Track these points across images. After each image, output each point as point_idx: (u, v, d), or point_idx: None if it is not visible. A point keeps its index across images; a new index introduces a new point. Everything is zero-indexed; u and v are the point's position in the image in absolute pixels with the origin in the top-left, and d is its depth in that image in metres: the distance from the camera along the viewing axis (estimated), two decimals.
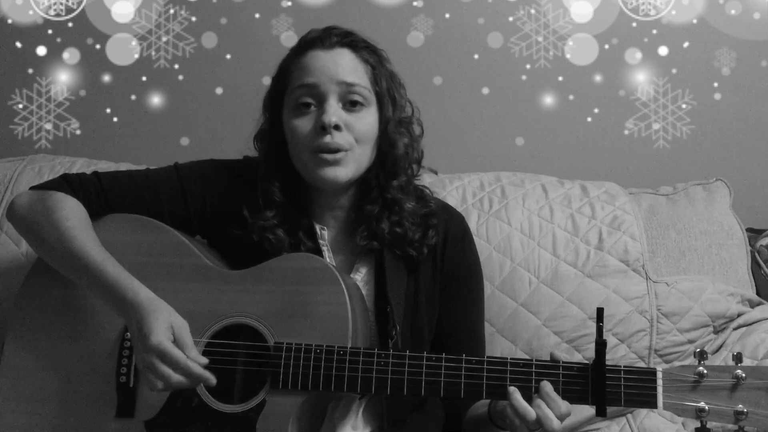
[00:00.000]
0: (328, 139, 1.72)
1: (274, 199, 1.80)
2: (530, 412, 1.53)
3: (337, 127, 1.72)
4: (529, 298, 2.20)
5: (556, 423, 1.53)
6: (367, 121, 1.77)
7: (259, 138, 1.87)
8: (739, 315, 2.21)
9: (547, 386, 1.55)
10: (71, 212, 1.76)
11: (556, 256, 2.23)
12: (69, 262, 1.72)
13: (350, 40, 1.79)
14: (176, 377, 1.56)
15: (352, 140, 1.75)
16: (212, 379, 1.59)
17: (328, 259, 1.81)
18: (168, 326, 1.59)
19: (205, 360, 1.60)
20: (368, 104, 1.78)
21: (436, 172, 2.00)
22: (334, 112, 1.73)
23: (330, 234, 1.86)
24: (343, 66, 1.76)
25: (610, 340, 2.16)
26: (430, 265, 1.87)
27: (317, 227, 1.84)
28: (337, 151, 1.73)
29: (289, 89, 1.78)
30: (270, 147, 1.84)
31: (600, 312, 1.53)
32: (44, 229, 1.74)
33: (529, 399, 1.55)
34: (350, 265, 1.85)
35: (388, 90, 1.81)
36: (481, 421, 1.79)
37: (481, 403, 1.82)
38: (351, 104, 1.75)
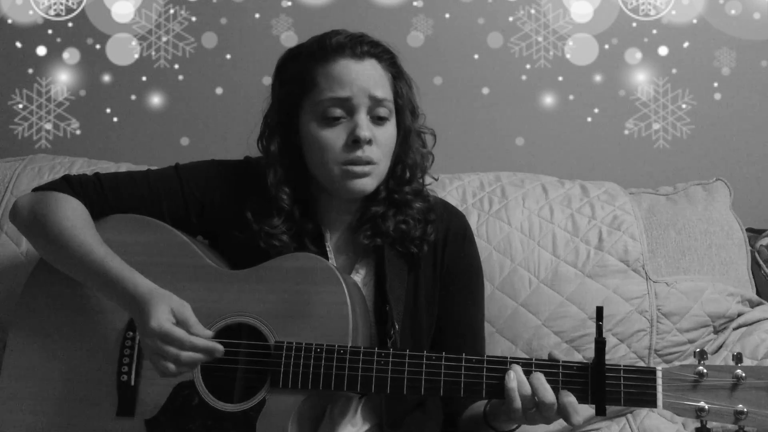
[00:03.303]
0: (360, 153, 1.72)
1: (283, 206, 1.79)
2: (527, 386, 1.54)
3: (369, 142, 1.73)
4: (529, 298, 2.20)
5: (550, 394, 1.53)
6: (390, 132, 1.78)
7: (266, 140, 1.84)
8: (739, 315, 2.22)
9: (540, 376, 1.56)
10: (72, 211, 1.77)
11: (556, 256, 2.23)
12: (71, 259, 1.73)
13: (376, 51, 1.77)
14: (185, 354, 1.58)
15: (380, 154, 1.76)
16: (219, 348, 1.61)
17: (331, 261, 1.81)
18: (167, 310, 1.60)
19: (209, 333, 1.63)
20: (391, 116, 1.78)
21: (436, 179, 2.01)
22: (367, 126, 1.73)
23: (334, 235, 1.87)
24: (374, 79, 1.75)
25: (610, 340, 2.16)
26: (430, 264, 1.88)
27: (325, 232, 1.85)
28: (367, 164, 1.73)
29: (315, 97, 1.75)
30: (283, 152, 1.82)
31: (599, 311, 1.53)
32: (46, 228, 1.75)
33: None
34: (351, 265, 1.86)
35: (407, 100, 1.82)
36: (477, 421, 1.79)
37: (478, 403, 1.82)
38: (378, 118, 1.76)
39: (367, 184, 1.76)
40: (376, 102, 1.74)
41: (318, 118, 1.74)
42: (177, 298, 1.64)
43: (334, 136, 1.73)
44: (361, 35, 1.78)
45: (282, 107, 1.81)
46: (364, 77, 1.74)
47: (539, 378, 1.55)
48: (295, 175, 1.81)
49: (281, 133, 1.82)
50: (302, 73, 1.77)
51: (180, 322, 1.61)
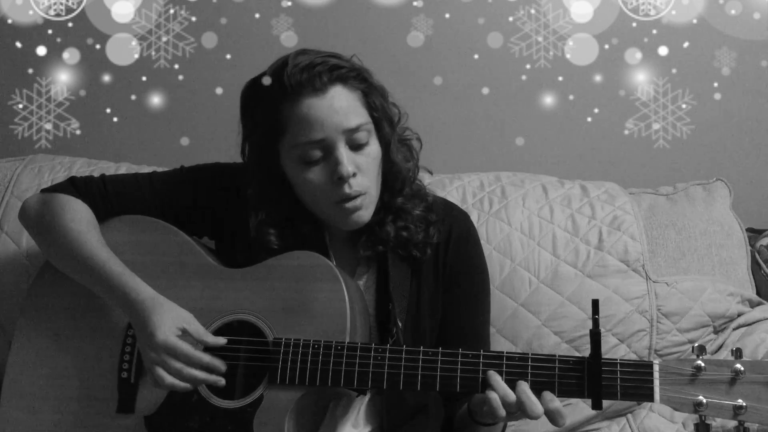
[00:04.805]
0: (347, 188, 1.69)
1: (273, 247, 1.78)
2: (510, 394, 1.53)
3: (353, 175, 1.70)
4: (529, 298, 2.20)
5: (538, 407, 1.52)
6: (373, 154, 1.75)
7: (248, 183, 1.81)
8: (739, 315, 2.22)
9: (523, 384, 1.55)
10: (77, 214, 1.80)
11: (556, 256, 2.23)
12: (75, 262, 1.76)
13: (338, 75, 1.70)
14: (188, 370, 1.60)
15: (367, 181, 1.73)
16: (222, 367, 1.65)
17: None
18: (173, 322, 1.62)
19: (223, 341, 1.66)
20: (370, 136, 1.74)
21: (431, 172, 1.99)
22: (347, 160, 1.69)
23: (332, 245, 1.86)
24: (343, 111, 1.69)
25: (611, 340, 2.17)
26: (432, 266, 1.87)
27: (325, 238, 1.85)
28: (357, 196, 1.71)
29: (289, 141, 1.71)
30: (262, 197, 1.80)
31: (595, 303, 1.53)
32: (51, 231, 1.78)
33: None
34: (351, 273, 1.86)
35: (383, 111, 1.78)
36: (465, 419, 1.78)
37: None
38: (357, 146, 1.72)
39: (363, 216, 1.75)
40: (351, 132, 1.70)
41: (297, 161, 1.72)
42: (180, 309, 1.66)
43: (317, 177, 1.71)
44: (321, 62, 1.69)
45: (261, 151, 1.78)
46: (332, 113, 1.68)
47: (525, 391, 1.54)
48: (281, 214, 1.80)
49: (261, 175, 1.79)
50: (270, 115, 1.72)
51: (192, 334, 1.63)
